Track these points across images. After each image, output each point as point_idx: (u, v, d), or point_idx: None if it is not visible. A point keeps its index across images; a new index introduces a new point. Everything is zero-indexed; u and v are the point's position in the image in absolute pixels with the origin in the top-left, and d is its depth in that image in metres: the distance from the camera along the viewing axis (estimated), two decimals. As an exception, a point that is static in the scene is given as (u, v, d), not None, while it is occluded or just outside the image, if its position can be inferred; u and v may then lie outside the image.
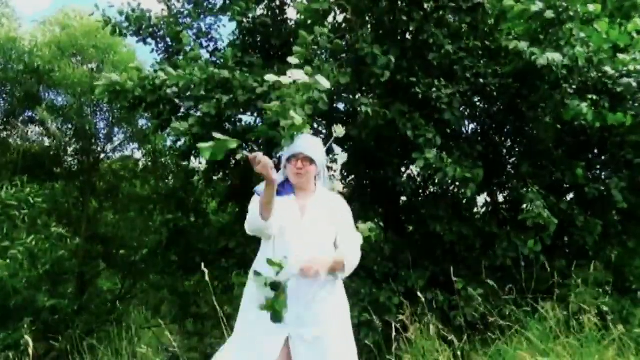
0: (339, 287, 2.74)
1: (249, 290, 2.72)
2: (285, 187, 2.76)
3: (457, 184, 5.16)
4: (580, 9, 4.59)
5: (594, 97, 5.26)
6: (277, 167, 2.56)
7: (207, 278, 3.68)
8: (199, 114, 5.54)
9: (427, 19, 5.76)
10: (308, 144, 2.76)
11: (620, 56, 4.54)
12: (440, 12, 5.83)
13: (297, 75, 2.75)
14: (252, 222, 2.60)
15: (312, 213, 2.71)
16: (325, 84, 2.86)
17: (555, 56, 4.42)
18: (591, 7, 4.46)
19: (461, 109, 5.82)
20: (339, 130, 2.89)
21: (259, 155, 2.35)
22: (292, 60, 2.95)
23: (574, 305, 4.32)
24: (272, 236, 2.60)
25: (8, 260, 6.85)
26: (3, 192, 7.50)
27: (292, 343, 2.53)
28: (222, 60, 5.99)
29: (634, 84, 4.82)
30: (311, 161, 2.73)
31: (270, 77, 2.86)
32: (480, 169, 5.29)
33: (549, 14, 4.67)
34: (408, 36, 6.19)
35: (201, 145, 2.31)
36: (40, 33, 9.86)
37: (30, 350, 3.01)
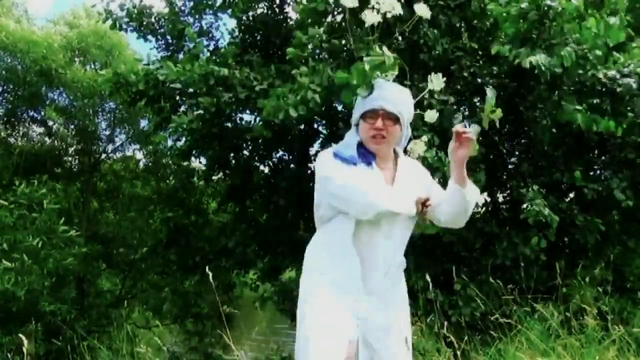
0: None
1: (318, 262, 2.03)
2: (364, 152, 1.99)
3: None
4: (565, 6, 4.43)
5: (595, 100, 5.17)
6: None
7: (210, 279, 3.72)
8: (199, 111, 5.56)
9: (420, 19, 5.70)
10: (392, 94, 2.00)
11: (616, 55, 4.42)
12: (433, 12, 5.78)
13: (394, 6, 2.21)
14: (371, 205, 1.86)
15: (403, 187, 1.99)
16: (426, 13, 2.43)
17: (540, 58, 4.24)
18: (574, 1, 4.30)
19: (460, 109, 5.80)
20: (436, 81, 2.29)
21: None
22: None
23: (574, 305, 4.31)
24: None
25: (12, 264, 6.75)
26: (19, 190, 7.42)
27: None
28: (221, 59, 5.99)
29: (634, 85, 4.75)
30: (395, 119, 1.97)
31: (347, 2, 2.23)
32: (481, 173, 5.21)
33: (532, 15, 4.45)
34: (403, 37, 6.16)
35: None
36: (53, 34, 9.80)
37: (25, 349, 2.97)
